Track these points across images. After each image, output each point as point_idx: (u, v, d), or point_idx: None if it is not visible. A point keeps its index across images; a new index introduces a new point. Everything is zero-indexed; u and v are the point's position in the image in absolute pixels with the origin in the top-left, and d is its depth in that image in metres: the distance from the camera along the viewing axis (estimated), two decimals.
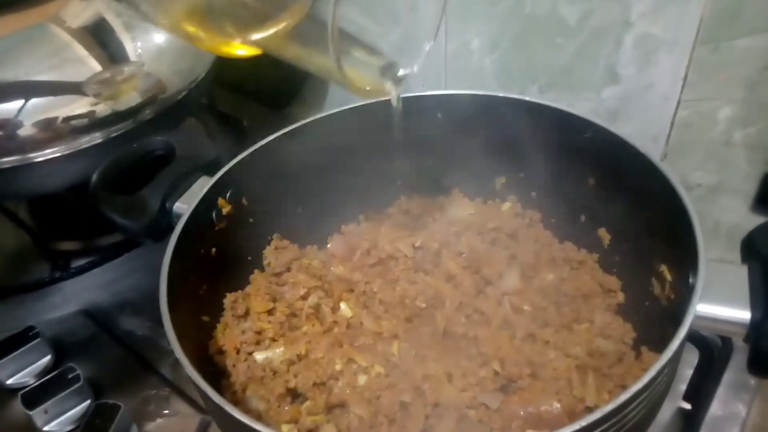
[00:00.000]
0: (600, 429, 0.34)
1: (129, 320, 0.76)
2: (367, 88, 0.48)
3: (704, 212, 0.77)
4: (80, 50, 0.70)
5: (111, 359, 0.71)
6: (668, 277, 0.49)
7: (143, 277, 0.82)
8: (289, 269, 0.61)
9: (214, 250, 0.55)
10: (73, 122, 0.69)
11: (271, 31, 0.43)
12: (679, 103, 0.71)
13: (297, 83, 0.99)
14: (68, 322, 0.76)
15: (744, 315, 0.39)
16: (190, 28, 0.46)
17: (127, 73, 0.72)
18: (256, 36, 0.43)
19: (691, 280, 0.41)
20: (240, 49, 0.48)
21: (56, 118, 0.68)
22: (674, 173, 0.47)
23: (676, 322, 0.38)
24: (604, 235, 0.58)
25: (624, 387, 0.34)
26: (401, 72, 0.51)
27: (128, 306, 0.78)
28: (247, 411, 0.47)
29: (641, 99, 0.73)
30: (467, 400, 0.46)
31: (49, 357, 0.69)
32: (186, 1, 0.45)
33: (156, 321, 0.67)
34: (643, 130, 0.75)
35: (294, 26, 0.42)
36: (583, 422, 0.33)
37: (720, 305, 0.40)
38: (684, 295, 0.42)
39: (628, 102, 0.74)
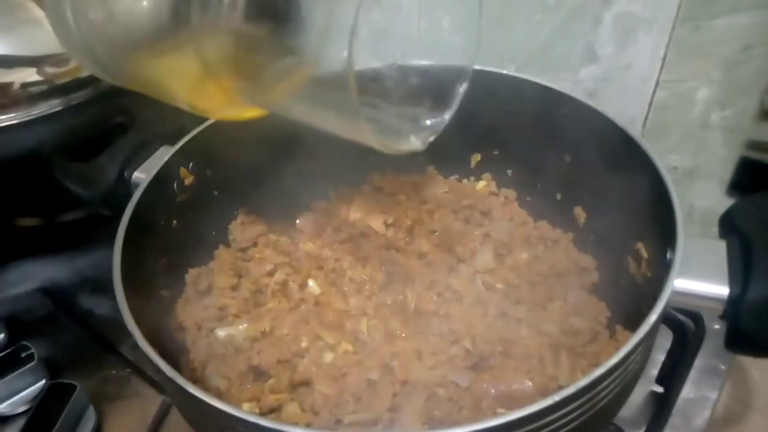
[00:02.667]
0: (573, 405, 0.33)
1: (89, 299, 0.73)
2: (392, 145, 0.43)
3: (679, 197, 0.76)
4: (38, 12, 0.67)
5: (69, 339, 0.67)
6: (645, 254, 0.48)
7: (105, 256, 0.78)
8: (255, 245, 0.59)
9: (175, 222, 0.53)
10: (31, 89, 0.66)
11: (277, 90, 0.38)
12: (657, 83, 0.70)
13: None
14: (24, 300, 0.73)
15: (722, 290, 0.38)
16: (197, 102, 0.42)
17: None
18: (268, 100, 0.40)
19: (668, 256, 0.40)
20: (247, 112, 0.45)
21: (11, 83, 0.65)
22: (653, 148, 0.46)
23: (652, 301, 0.37)
24: (580, 214, 0.57)
25: (598, 366, 0.33)
26: (429, 121, 0.46)
27: (88, 284, 0.75)
28: (206, 389, 0.45)
29: (619, 80, 0.72)
30: (437, 378, 0.45)
31: (2, 336, 0.65)
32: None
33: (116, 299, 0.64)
34: (620, 112, 0.73)
35: (303, 84, 0.38)
36: (556, 397, 0.31)
37: (698, 280, 0.38)
38: (660, 272, 0.41)
39: (606, 83, 0.73)
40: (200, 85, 0.40)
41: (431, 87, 0.46)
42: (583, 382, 0.32)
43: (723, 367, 0.61)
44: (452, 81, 0.47)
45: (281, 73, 0.38)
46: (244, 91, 0.41)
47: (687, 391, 0.59)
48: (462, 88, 0.46)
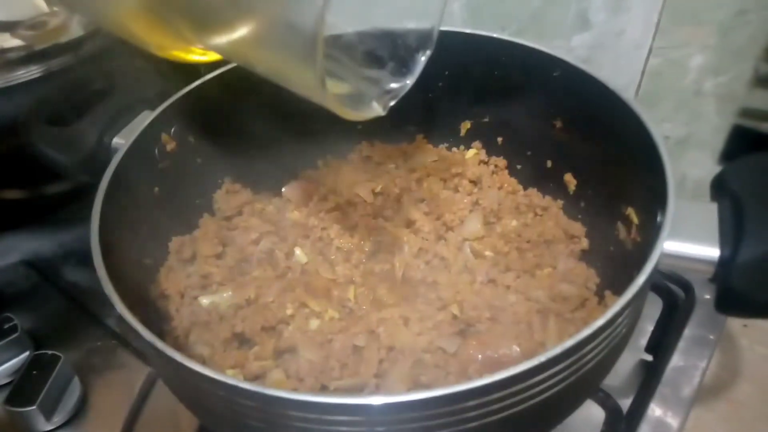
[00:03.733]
0: (558, 367, 0.32)
1: (73, 271, 0.72)
2: (353, 111, 0.41)
3: (673, 166, 0.75)
4: None
5: (53, 311, 0.67)
6: (635, 219, 0.47)
7: (89, 228, 0.78)
8: (240, 213, 0.58)
9: (156, 189, 0.52)
10: (9, 55, 0.64)
11: (236, 34, 0.36)
12: (650, 50, 0.69)
13: None
14: (8, 273, 0.72)
15: (713, 252, 0.37)
16: (139, 30, 0.40)
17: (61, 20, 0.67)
18: (218, 40, 0.37)
19: (659, 219, 0.39)
20: (198, 55, 0.43)
21: None
22: (644, 110, 0.45)
23: (642, 266, 0.36)
24: (570, 181, 0.56)
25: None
26: (392, 85, 0.44)
27: (73, 256, 0.74)
28: (190, 357, 0.44)
29: (612, 47, 0.71)
30: (424, 344, 0.44)
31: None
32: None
33: None
34: (613, 79, 0.72)
35: (265, 31, 0.35)
36: (542, 358, 0.30)
37: (688, 242, 0.38)
38: (650, 237, 0.40)
39: (599, 50, 0.72)
40: (147, 15, 0.39)
41: (395, 50, 0.45)
42: (569, 342, 0.31)
43: (712, 337, 0.61)
44: (416, 46, 0.45)
45: (235, 11, 0.35)
46: (192, 29, 0.39)
47: (676, 360, 0.59)
48: (425, 56, 0.45)
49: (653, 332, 0.60)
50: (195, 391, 0.37)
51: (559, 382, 0.33)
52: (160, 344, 0.34)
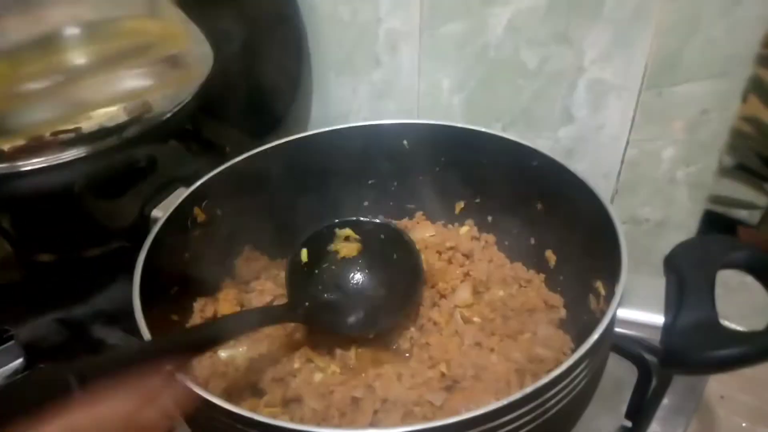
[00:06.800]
0: (520, 411, 0.38)
1: (102, 329, 0.78)
2: None
3: (652, 246, 0.82)
4: None
5: None
6: (602, 291, 0.53)
7: (119, 290, 0.84)
8: (258, 278, 0.65)
9: (187, 255, 0.59)
10: (61, 136, 0.74)
11: None
12: (627, 143, 0.77)
13: (279, 112, 1.05)
14: (42, 328, 0.78)
15: (659, 319, 0.43)
16: None
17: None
18: None
19: (615, 288, 0.46)
20: None
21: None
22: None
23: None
24: (551, 256, 0.63)
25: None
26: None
27: (102, 316, 0.80)
28: None
29: (594, 138, 0.79)
30: (414, 398, 0.50)
31: (21, 360, 0.71)
32: None
33: (127, 330, 0.69)
34: (596, 168, 0.80)
35: None
36: (504, 401, 0.36)
37: (639, 310, 0.44)
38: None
39: (582, 141, 0.80)
40: None
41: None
42: (529, 389, 0.37)
43: (690, 406, 0.65)
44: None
45: None
46: None
47: (654, 427, 0.63)
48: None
49: (631, 399, 0.64)
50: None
51: (523, 426, 0.39)
52: (199, 390, 0.40)
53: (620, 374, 0.62)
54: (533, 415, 0.39)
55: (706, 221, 0.77)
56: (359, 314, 0.57)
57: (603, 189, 0.55)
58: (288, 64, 0.93)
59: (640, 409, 0.63)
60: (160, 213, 0.58)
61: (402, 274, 0.59)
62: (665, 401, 0.65)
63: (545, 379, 0.38)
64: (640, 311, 0.45)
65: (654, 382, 0.64)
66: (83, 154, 0.73)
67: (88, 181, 0.62)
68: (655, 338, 0.45)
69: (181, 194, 0.59)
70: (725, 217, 0.75)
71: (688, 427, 0.64)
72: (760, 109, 0.68)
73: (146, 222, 0.58)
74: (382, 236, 0.61)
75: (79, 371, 0.35)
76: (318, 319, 0.56)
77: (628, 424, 0.64)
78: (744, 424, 0.70)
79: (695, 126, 0.72)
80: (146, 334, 0.44)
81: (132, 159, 0.65)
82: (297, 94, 0.97)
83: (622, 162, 0.79)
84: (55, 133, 0.74)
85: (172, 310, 0.57)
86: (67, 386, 0.34)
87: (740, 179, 0.75)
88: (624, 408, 0.64)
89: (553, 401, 0.39)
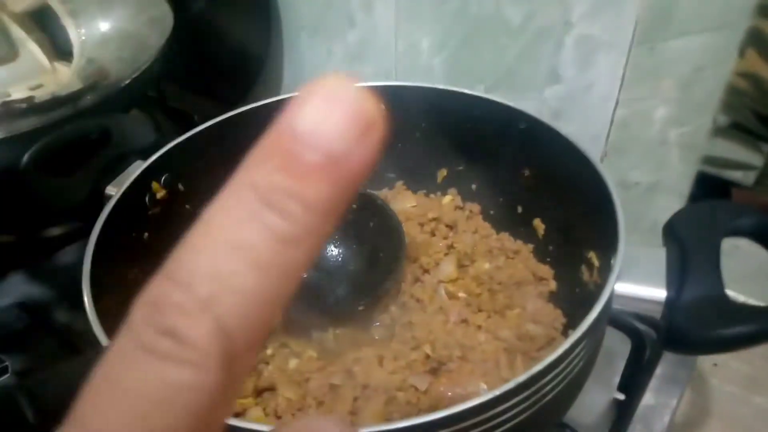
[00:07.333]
0: (515, 400, 0.35)
1: (66, 313, 0.74)
2: None
3: (642, 211, 0.79)
4: (20, 33, 0.69)
5: (45, 353, 0.69)
6: (596, 263, 0.50)
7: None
8: None
9: (146, 235, 0.54)
10: (10, 107, 0.68)
11: None
12: (617, 103, 0.73)
13: (249, 77, 0.99)
14: (1, 315, 0.74)
15: (660, 293, 0.40)
16: None
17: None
18: None
19: (612, 262, 0.42)
20: None
21: None
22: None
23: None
24: (539, 226, 0.59)
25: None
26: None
27: (66, 299, 0.76)
28: None
29: (582, 99, 0.75)
30: (397, 382, 0.46)
31: None
32: None
33: None
34: (584, 130, 0.76)
35: None
36: (497, 392, 0.33)
37: (638, 284, 0.41)
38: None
39: (570, 102, 0.76)
40: None
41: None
42: (523, 377, 0.34)
43: (683, 376, 0.63)
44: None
45: None
46: None
47: (647, 399, 0.61)
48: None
49: (624, 371, 0.62)
50: None
51: (519, 414, 0.35)
52: None
53: (612, 345, 0.59)
54: (529, 402, 0.35)
55: (698, 183, 0.74)
56: (337, 292, 0.53)
57: (592, 152, 0.51)
58: (256, 25, 0.88)
59: (634, 381, 0.61)
60: (115, 189, 0.53)
61: (382, 248, 0.55)
62: (658, 371, 0.63)
63: (541, 365, 0.34)
64: (632, 284, 0.42)
65: (648, 353, 0.62)
66: (35, 126, 0.68)
67: (37, 157, 0.56)
68: (649, 310, 0.42)
69: (138, 168, 0.54)
70: (718, 178, 0.72)
71: (681, 396, 0.62)
72: (759, 64, 0.64)
73: (100, 199, 0.53)
74: (360, 207, 0.57)
75: None
76: (292, 300, 0.52)
77: (621, 396, 0.62)
78: (737, 392, 0.69)
79: (689, 83, 0.69)
80: (98, 327, 0.40)
81: (85, 130, 0.60)
82: (267, 57, 0.91)
83: (612, 123, 0.75)
84: (4, 104, 0.69)
85: (133, 294, 0.52)
86: None
87: (735, 139, 0.72)
88: (616, 380, 0.62)
89: (549, 386, 0.36)
